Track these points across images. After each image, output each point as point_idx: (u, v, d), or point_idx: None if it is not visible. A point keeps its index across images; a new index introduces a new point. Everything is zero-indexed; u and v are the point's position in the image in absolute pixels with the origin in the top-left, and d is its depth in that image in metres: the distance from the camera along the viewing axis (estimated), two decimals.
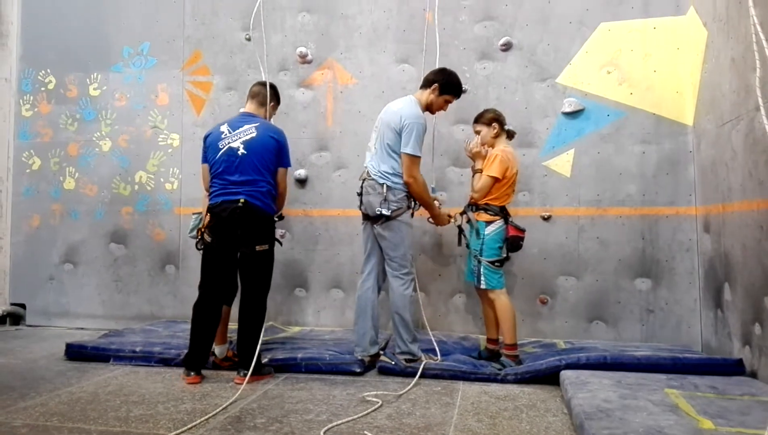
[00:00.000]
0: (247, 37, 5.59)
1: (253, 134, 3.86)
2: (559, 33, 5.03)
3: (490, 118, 4.18)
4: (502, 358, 4.03)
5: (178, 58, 5.79)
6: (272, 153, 3.90)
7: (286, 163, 4.04)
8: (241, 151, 3.81)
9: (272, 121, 4.25)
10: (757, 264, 3.49)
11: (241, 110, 4.16)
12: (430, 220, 4.34)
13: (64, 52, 6.04)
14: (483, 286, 4.05)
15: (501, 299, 4.04)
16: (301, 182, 5.44)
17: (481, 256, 4.04)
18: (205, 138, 4.03)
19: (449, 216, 4.32)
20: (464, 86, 5.07)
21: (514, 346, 4.03)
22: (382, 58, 5.36)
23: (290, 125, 5.48)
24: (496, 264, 4.04)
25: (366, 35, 5.41)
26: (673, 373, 3.61)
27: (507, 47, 5.11)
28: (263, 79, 4.22)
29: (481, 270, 4.03)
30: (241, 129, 3.89)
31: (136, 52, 5.89)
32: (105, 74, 5.95)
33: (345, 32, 5.45)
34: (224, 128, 3.93)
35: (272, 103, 4.15)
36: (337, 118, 5.42)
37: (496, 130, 4.15)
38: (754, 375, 3.57)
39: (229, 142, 3.86)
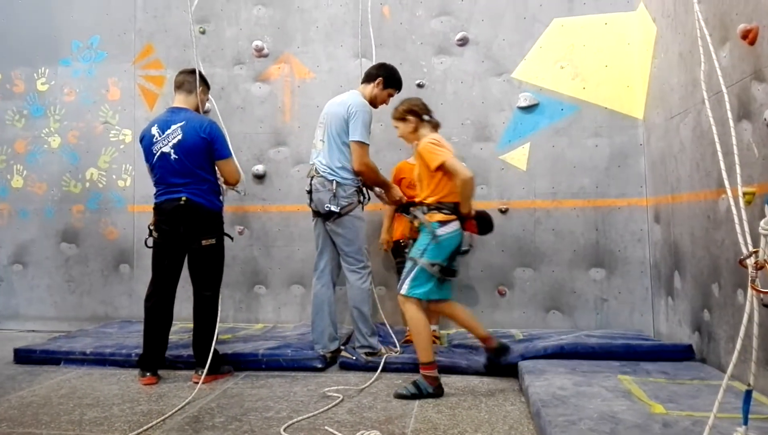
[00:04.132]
0: (201, 30, 5.49)
1: (180, 136, 3.71)
2: (514, 28, 5.09)
3: (402, 112, 3.70)
4: (418, 379, 3.39)
5: (129, 52, 5.65)
6: (203, 153, 3.75)
7: (223, 155, 3.83)
8: (173, 156, 3.70)
9: (208, 106, 4.09)
10: (705, 252, 3.61)
11: (171, 105, 3.97)
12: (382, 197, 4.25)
13: (10, 45, 5.82)
14: (403, 291, 3.44)
15: (411, 310, 3.42)
16: (259, 178, 5.37)
17: (421, 256, 3.44)
18: (141, 139, 3.90)
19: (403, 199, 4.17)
20: (422, 81, 5.13)
21: (431, 364, 3.40)
22: (340, 52, 5.34)
23: (247, 120, 5.43)
24: (435, 268, 3.43)
25: (323, 29, 5.37)
26: (626, 360, 3.70)
27: (463, 42, 5.15)
28: (190, 68, 3.97)
29: (414, 272, 3.43)
30: (169, 130, 3.74)
31: (86, 45, 5.73)
32: (53, 68, 5.77)
33: (301, 26, 5.40)
34: (155, 130, 3.79)
35: (201, 89, 3.92)
36: (294, 112, 5.38)
37: (412, 124, 3.67)
38: (703, 360, 3.69)
39: (161, 147, 3.73)
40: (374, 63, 4.53)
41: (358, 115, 3.90)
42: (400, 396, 3.35)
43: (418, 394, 3.33)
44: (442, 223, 3.48)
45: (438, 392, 3.37)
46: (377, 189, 4.21)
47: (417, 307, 3.42)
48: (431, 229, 3.46)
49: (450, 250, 3.49)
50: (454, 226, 3.49)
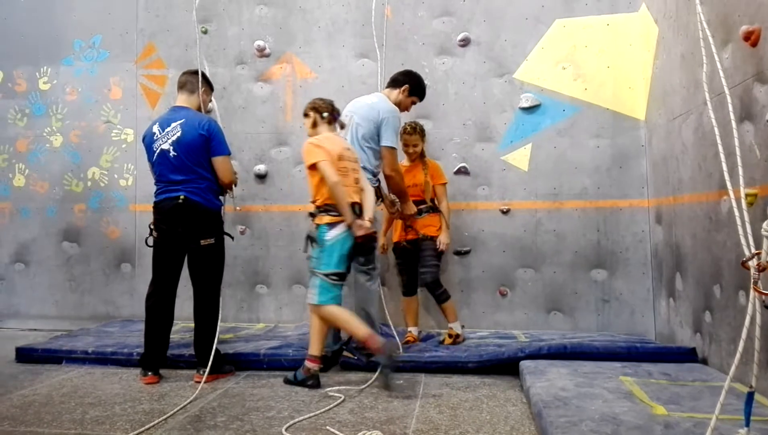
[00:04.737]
0: (203, 29, 5.49)
1: (179, 133, 3.73)
2: (516, 29, 5.09)
3: (307, 108, 3.77)
4: (304, 367, 3.55)
5: (131, 51, 5.65)
6: (201, 150, 3.75)
7: (220, 152, 3.82)
8: (172, 153, 3.72)
9: (211, 106, 4.15)
10: (707, 253, 3.61)
11: (173, 105, 4.01)
12: (393, 211, 4.35)
13: (13, 44, 5.83)
14: (312, 301, 3.53)
15: (327, 313, 3.51)
16: (261, 177, 5.38)
17: (316, 268, 3.52)
18: (143, 139, 3.94)
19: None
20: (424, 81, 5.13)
21: (318, 358, 3.58)
22: (342, 52, 5.34)
23: (249, 120, 5.43)
24: (333, 277, 3.50)
25: (325, 29, 5.37)
26: (629, 361, 3.70)
27: (465, 43, 5.15)
28: (194, 69, 4.04)
29: (316, 282, 3.52)
30: (169, 128, 3.76)
31: (88, 45, 5.73)
32: (55, 68, 5.77)
33: (303, 26, 5.40)
34: (156, 129, 3.82)
35: (203, 89, 3.96)
36: (296, 112, 5.36)
37: (311, 120, 3.72)
38: (704, 361, 3.69)
39: (160, 145, 3.76)
40: (378, 64, 4.61)
41: (389, 121, 3.99)
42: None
43: (294, 381, 3.54)
44: (331, 225, 3.49)
45: (312, 384, 3.51)
46: (392, 196, 4.27)
47: (330, 307, 3.49)
48: (315, 235, 3.54)
49: (342, 254, 3.50)
50: (342, 227, 3.49)
